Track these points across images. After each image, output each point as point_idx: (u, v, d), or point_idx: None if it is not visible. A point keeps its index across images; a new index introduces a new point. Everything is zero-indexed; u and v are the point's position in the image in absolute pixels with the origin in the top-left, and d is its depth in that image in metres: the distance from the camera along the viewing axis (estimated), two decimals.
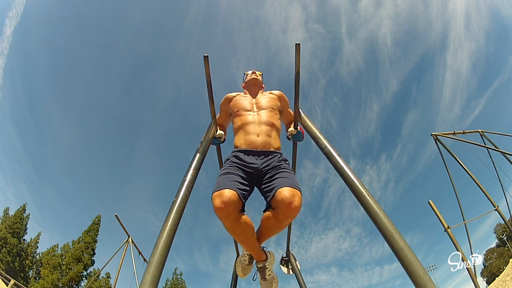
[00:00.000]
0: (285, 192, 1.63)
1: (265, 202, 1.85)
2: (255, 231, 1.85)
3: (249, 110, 2.17)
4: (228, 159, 2.00)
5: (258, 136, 2.01)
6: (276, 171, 1.84)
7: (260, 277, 2.08)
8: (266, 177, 1.85)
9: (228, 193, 1.61)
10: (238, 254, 3.59)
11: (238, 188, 1.69)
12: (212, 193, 1.66)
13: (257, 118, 2.11)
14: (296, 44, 1.78)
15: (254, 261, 2.10)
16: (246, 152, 1.96)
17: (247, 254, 2.10)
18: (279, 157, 1.96)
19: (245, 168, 1.88)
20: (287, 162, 2.00)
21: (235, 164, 1.90)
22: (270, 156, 1.95)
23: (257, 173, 1.87)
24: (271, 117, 2.13)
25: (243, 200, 1.73)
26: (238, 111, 2.19)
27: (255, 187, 1.93)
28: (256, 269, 2.09)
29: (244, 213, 1.76)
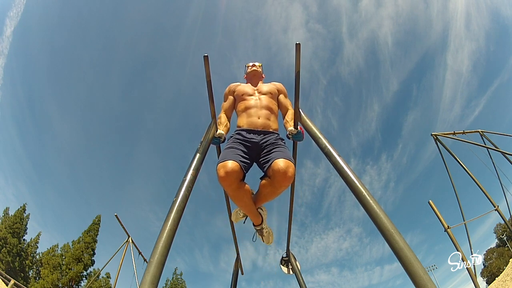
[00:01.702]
0: (280, 163, 1.83)
1: (262, 174, 2.05)
2: (252, 197, 2.10)
3: (251, 95, 2.43)
4: (232, 136, 2.22)
5: (259, 118, 2.26)
6: (273, 147, 2.07)
7: (258, 235, 2.41)
8: (264, 151, 2.08)
9: (231, 164, 1.82)
10: (238, 255, 3.59)
11: (240, 160, 1.90)
12: (217, 165, 1.86)
13: (258, 102, 2.36)
14: (296, 44, 1.77)
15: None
16: (248, 131, 2.20)
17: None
18: (276, 136, 2.20)
19: (246, 143, 2.11)
20: (283, 140, 2.22)
21: (238, 140, 2.13)
22: (269, 135, 2.19)
23: (256, 148, 2.11)
24: (270, 102, 2.40)
25: (244, 171, 1.95)
26: (242, 95, 2.44)
27: (254, 163, 2.14)
28: (255, 230, 2.39)
29: (245, 181, 1.99)
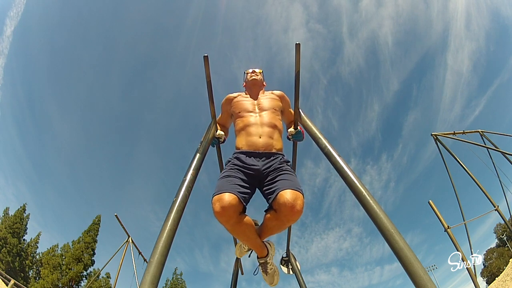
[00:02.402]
0: (287, 195, 1.61)
1: (267, 203, 1.82)
2: (255, 229, 1.86)
3: (251, 111, 2.15)
4: (230, 161, 1.98)
5: (260, 137, 1.99)
6: (277, 173, 1.82)
7: (262, 271, 2.08)
8: (268, 179, 1.83)
9: (228, 197, 1.60)
10: None
11: (238, 192, 1.67)
12: (212, 197, 1.64)
13: (259, 119, 2.09)
14: (296, 44, 1.78)
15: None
16: (248, 154, 1.94)
17: None
18: (280, 159, 1.95)
19: (246, 170, 1.86)
20: (288, 163, 1.98)
21: (236, 167, 1.88)
22: (272, 158, 1.93)
23: (258, 175, 1.86)
24: (273, 118, 2.12)
25: (244, 203, 1.71)
26: (239, 112, 2.17)
27: (256, 189, 1.91)
28: (258, 263, 2.09)
29: (245, 213, 1.76)
